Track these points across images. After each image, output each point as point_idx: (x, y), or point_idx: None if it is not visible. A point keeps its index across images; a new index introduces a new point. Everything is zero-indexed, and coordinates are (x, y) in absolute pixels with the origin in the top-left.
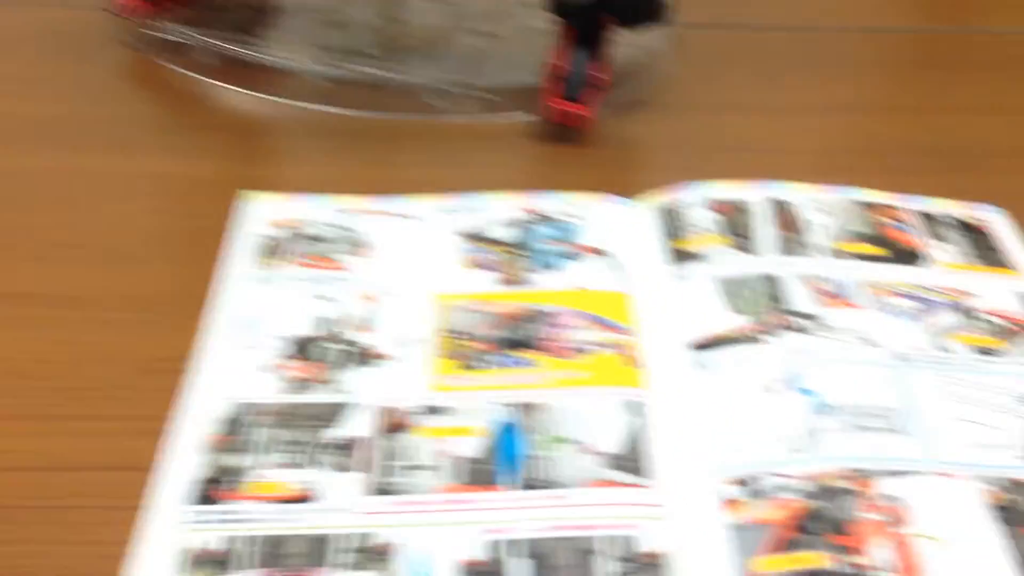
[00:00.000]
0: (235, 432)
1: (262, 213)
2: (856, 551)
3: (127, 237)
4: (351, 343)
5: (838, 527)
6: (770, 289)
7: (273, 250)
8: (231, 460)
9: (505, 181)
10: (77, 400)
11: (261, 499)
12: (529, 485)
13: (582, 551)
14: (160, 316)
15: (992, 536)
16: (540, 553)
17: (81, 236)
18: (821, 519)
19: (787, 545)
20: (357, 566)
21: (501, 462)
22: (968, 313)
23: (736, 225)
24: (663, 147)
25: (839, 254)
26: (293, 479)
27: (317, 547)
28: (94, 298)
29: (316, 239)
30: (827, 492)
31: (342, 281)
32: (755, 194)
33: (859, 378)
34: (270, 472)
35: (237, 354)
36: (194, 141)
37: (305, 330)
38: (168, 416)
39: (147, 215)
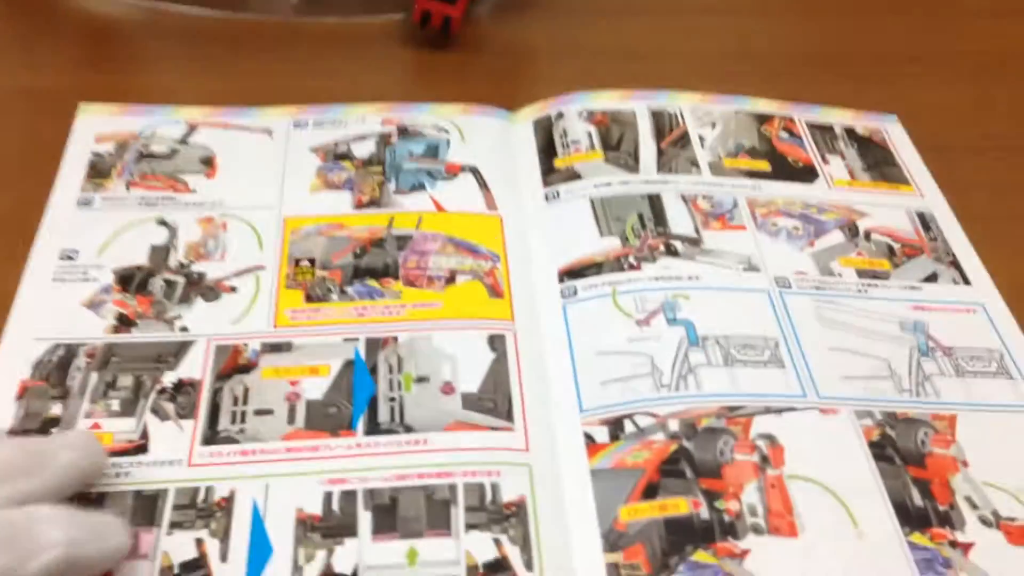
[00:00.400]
0: (55, 377)
1: (97, 128)
2: (727, 495)
3: None
4: (188, 274)
5: (709, 470)
6: (648, 209)
7: (106, 170)
8: (50, 408)
9: (371, 91)
10: None
11: None
12: (381, 429)
13: (438, 501)
14: None
15: (869, 474)
16: (388, 504)
17: None
18: (691, 462)
19: (654, 491)
20: (189, 524)
21: (351, 405)
22: (857, 234)
23: (615, 139)
24: (546, 53)
25: (724, 170)
26: (120, 428)
27: (146, 504)
28: None
29: (155, 156)
30: (699, 432)
31: (180, 204)
32: (638, 105)
33: (737, 307)
34: (94, 421)
35: (59, 289)
36: (30, 48)
37: (137, 260)
38: None
39: None
